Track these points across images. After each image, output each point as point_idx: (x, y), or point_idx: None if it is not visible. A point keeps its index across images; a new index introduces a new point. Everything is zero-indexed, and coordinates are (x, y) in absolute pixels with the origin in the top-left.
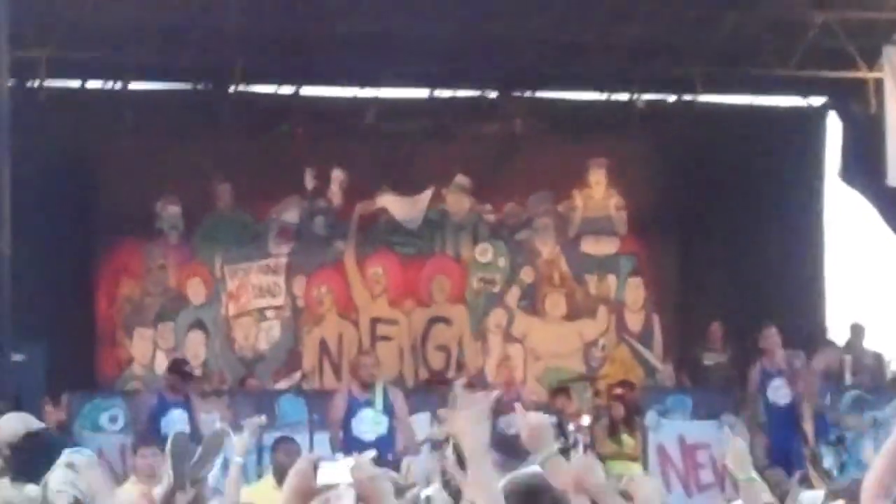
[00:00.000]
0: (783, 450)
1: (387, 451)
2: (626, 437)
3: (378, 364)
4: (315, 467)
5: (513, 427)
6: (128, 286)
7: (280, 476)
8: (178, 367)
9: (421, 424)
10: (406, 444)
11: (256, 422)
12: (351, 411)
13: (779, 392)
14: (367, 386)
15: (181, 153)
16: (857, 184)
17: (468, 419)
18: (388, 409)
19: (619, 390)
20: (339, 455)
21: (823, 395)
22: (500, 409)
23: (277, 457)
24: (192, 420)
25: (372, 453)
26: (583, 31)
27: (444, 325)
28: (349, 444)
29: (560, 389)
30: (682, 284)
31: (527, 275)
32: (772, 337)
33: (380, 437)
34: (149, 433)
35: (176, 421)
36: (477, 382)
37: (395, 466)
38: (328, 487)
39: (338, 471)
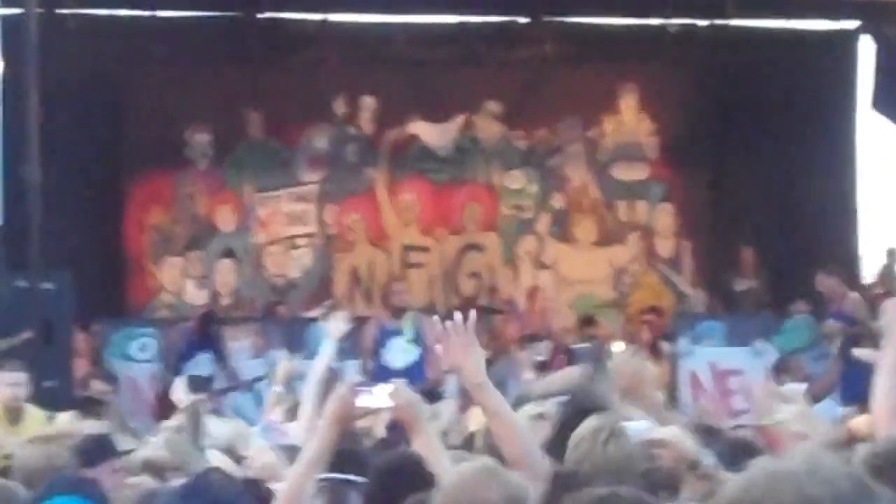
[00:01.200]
0: None
1: (416, 380)
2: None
3: (409, 291)
4: (355, 393)
5: (541, 354)
6: (157, 215)
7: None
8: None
9: None
10: (436, 373)
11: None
12: (381, 340)
13: None
14: (398, 313)
15: (210, 81)
16: (891, 112)
17: (462, 350)
18: (419, 338)
19: (646, 316)
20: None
21: None
22: (531, 337)
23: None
24: (221, 357)
25: (401, 382)
26: None
27: (475, 252)
28: (379, 373)
29: (587, 318)
30: (712, 210)
31: (557, 201)
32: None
33: (409, 365)
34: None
35: (200, 363)
36: (508, 309)
37: (425, 394)
38: (368, 412)
39: (377, 396)
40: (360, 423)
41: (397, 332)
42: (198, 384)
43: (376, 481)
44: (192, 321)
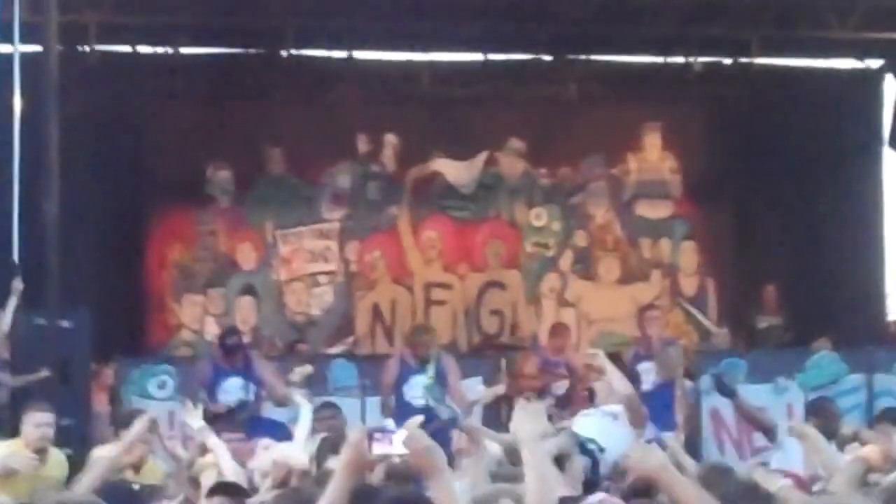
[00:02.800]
0: None
1: (434, 420)
2: None
3: (435, 341)
4: (370, 439)
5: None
6: (177, 251)
7: (326, 442)
8: (224, 341)
9: (473, 389)
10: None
11: (305, 371)
12: (402, 377)
13: None
14: (423, 357)
15: (232, 118)
16: None
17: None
18: (440, 376)
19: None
20: (390, 421)
21: None
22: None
23: (320, 423)
24: (255, 381)
25: (420, 418)
26: None
27: (498, 289)
28: (400, 410)
29: (612, 355)
30: (736, 248)
31: (580, 239)
32: None
33: (428, 406)
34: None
35: (233, 389)
36: (530, 347)
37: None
38: (383, 458)
39: (393, 442)
40: None
41: (419, 370)
42: (209, 415)
43: None
44: (205, 358)
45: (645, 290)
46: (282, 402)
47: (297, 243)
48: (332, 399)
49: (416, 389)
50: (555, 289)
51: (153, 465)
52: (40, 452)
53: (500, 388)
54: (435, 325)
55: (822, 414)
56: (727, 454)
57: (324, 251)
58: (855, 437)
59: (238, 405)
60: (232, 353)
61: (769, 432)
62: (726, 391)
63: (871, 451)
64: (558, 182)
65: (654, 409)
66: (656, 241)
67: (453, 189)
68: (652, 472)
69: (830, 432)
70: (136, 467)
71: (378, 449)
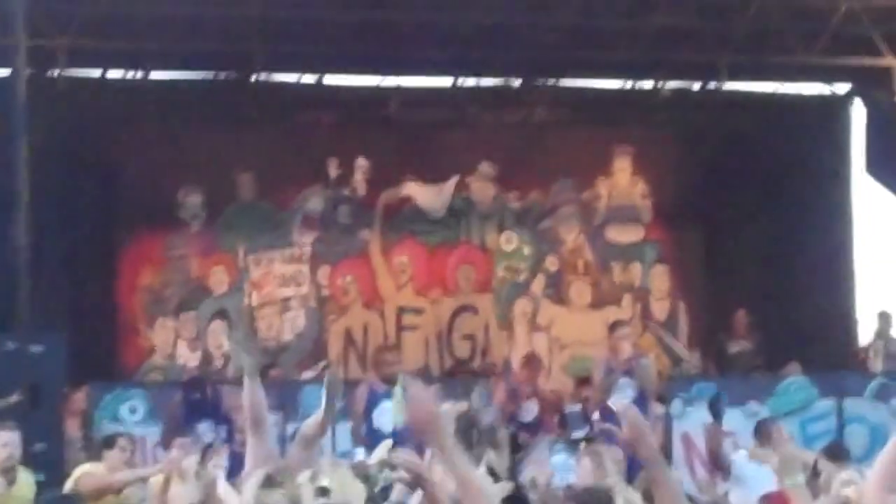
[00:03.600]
0: None
1: (405, 443)
2: None
3: (401, 360)
4: None
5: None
6: (149, 276)
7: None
8: (188, 396)
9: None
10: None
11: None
12: (372, 403)
13: None
14: (389, 381)
15: (202, 142)
16: (883, 176)
17: (426, 415)
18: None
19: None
20: (360, 449)
21: None
22: (519, 398)
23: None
24: (225, 420)
25: (389, 443)
26: (607, 19)
27: (469, 314)
28: (370, 436)
29: (587, 378)
30: (707, 272)
31: (551, 263)
32: None
33: (399, 429)
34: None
35: (203, 431)
36: (503, 371)
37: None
38: None
39: None
40: None
41: (388, 395)
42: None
43: None
44: (178, 395)
45: (616, 314)
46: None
47: (269, 267)
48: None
49: (386, 415)
50: (526, 313)
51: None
52: (8, 473)
53: (462, 406)
54: (407, 349)
55: (765, 436)
56: (698, 477)
57: (295, 275)
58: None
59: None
60: (197, 406)
61: (724, 469)
62: (716, 413)
63: (855, 491)
64: (529, 206)
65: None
66: (627, 265)
67: (424, 213)
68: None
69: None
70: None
71: None
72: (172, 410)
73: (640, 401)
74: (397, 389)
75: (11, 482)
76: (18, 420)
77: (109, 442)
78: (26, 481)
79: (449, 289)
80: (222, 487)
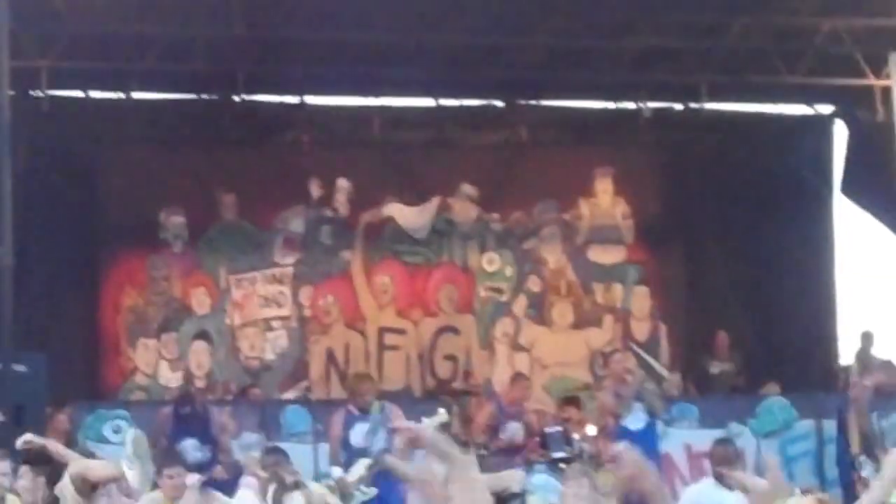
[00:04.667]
0: None
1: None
2: None
3: (376, 389)
4: None
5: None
6: (131, 296)
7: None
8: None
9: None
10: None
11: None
12: (348, 425)
13: None
14: (365, 407)
15: (185, 163)
16: (860, 196)
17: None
18: (385, 422)
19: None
20: (336, 469)
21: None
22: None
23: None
24: (211, 442)
25: (367, 461)
26: (588, 39)
27: (451, 334)
28: (348, 455)
29: (570, 399)
30: (688, 293)
31: (534, 284)
32: None
33: (375, 450)
34: (171, 452)
35: (189, 449)
36: (484, 392)
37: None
38: None
39: None
40: None
41: (363, 418)
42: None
43: None
44: (168, 407)
45: (598, 335)
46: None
47: (251, 288)
48: (285, 445)
49: (362, 435)
50: (508, 333)
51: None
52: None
53: (442, 416)
54: (388, 369)
55: (722, 459)
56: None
57: (277, 296)
58: None
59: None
60: (186, 421)
61: None
62: None
63: None
64: (511, 227)
65: (642, 450)
66: (609, 286)
67: (406, 234)
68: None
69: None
70: None
71: None
72: (161, 424)
73: (651, 424)
74: (374, 414)
75: None
76: (2, 440)
77: None
78: None
79: (431, 309)
80: None
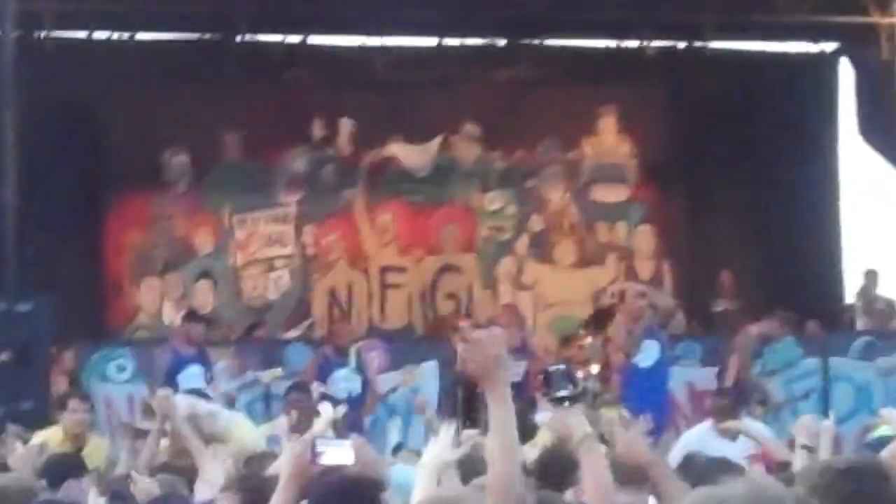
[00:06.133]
0: None
1: (356, 409)
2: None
3: (354, 332)
4: (313, 448)
5: (518, 375)
6: (135, 236)
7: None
8: (192, 316)
9: (429, 373)
10: (371, 404)
11: (275, 374)
12: (325, 371)
13: None
14: (342, 351)
15: (188, 103)
16: (874, 138)
17: (493, 360)
18: (361, 369)
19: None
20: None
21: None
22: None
23: (291, 405)
24: (209, 372)
25: (343, 409)
26: None
27: (453, 273)
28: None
29: (572, 337)
30: (692, 232)
31: (536, 223)
32: None
33: (351, 396)
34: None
35: (193, 376)
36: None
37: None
38: (331, 468)
39: (338, 452)
40: None
41: (341, 364)
42: None
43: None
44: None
45: (601, 274)
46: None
47: (254, 228)
48: (289, 383)
49: (339, 382)
50: (510, 272)
51: (98, 443)
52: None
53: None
54: (391, 307)
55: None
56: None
57: (280, 235)
58: None
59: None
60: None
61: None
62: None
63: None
64: (513, 166)
65: (650, 388)
66: (612, 225)
67: (408, 173)
68: (643, 462)
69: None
70: (79, 445)
71: (323, 459)
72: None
73: (661, 362)
74: (352, 356)
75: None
76: (6, 379)
77: (62, 403)
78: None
79: (433, 248)
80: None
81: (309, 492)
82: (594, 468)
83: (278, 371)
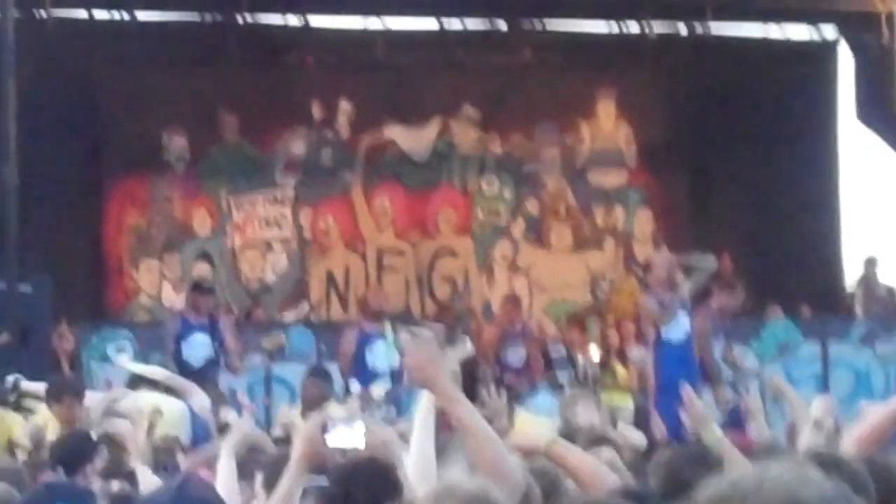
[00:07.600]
0: None
1: (397, 385)
2: (619, 369)
3: (387, 298)
4: (325, 430)
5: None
6: (134, 217)
7: (308, 407)
8: (199, 288)
9: None
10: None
11: (278, 341)
12: (364, 344)
13: None
14: (377, 316)
15: (188, 84)
16: (874, 122)
17: (429, 365)
18: (398, 346)
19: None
20: (353, 381)
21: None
22: (505, 342)
23: (306, 388)
24: (222, 341)
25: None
26: None
27: (450, 256)
28: (363, 376)
29: (574, 320)
30: (691, 217)
31: (532, 207)
32: None
33: (392, 370)
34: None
35: (198, 345)
36: (483, 314)
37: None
38: (340, 451)
39: (349, 434)
40: None
41: (378, 336)
42: None
43: (338, 482)
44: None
45: (598, 258)
46: (235, 371)
47: (251, 210)
48: (290, 366)
49: (379, 356)
50: (506, 256)
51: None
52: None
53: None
54: (387, 291)
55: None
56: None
57: (277, 217)
58: None
59: (206, 364)
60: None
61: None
62: None
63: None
64: (511, 150)
65: (681, 361)
66: (610, 209)
67: (406, 156)
68: (539, 449)
69: None
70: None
71: (334, 442)
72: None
73: (691, 336)
74: (388, 330)
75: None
76: (7, 360)
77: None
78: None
79: (429, 231)
80: None
81: (322, 471)
82: (578, 461)
83: (281, 338)
